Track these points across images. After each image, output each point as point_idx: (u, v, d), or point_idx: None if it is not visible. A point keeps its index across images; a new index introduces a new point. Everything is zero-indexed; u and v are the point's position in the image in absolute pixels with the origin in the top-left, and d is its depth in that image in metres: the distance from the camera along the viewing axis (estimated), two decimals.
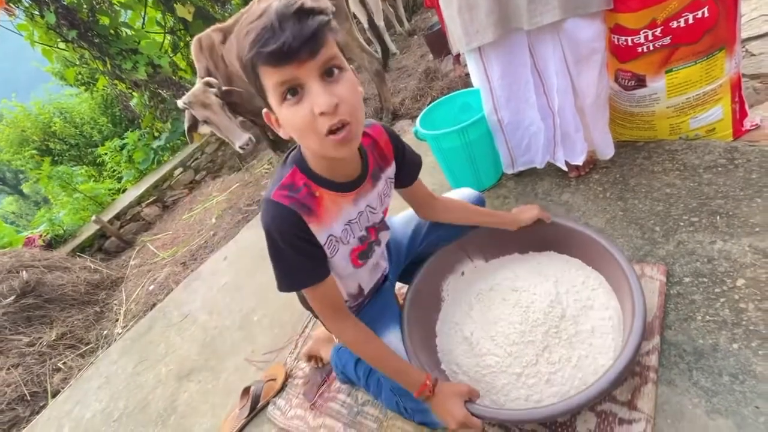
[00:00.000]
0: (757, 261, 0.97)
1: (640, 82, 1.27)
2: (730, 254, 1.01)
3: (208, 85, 2.47)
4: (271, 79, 0.61)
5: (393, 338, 1.01)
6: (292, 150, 0.82)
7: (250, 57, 0.59)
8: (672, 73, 1.22)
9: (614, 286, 1.00)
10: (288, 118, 0.64)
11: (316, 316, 1.09)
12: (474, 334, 1.05)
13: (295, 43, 0.57)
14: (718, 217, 1.10)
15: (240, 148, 2.50)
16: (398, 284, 1.26)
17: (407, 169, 0.96)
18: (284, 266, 0.80)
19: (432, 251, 1.22)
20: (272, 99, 0.64)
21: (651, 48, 1.19)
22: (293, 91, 0.62)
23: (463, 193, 1.20)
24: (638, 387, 0.88)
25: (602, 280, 1.03)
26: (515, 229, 1.12)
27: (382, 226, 0.98)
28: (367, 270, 0.97)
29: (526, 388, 0.91)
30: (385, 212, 0.97)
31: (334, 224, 0.81)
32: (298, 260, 0.78)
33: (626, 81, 1.30)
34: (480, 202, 1.19)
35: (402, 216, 1.23)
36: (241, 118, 2.63)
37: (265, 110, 0.70)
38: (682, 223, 1.14)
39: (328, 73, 0.62)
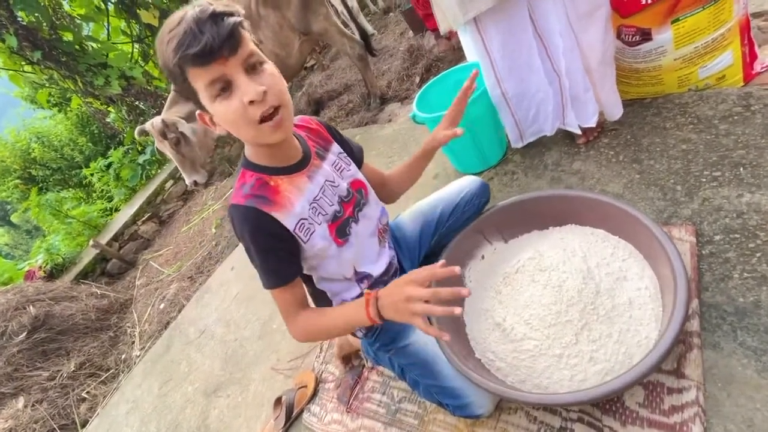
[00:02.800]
0: None
1: (645, 36, 1.22)
2: (760, 206, 0.98)
3: (166, 125, 2.46)
4: (200, 79, 0.67)
5: (421, 334, 0.99)
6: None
7: (176, 62, 0.65)
8: (678, 22, 1.16)
9: (645, 253, 0.97)
10: (222, 113, 0.70)
11: None
12: (507, 320, 1.02)
13: (216, 43, 0.63)
14: (741, 169, 1.07)
15: (188, 185, 2.66)
16: None
17: (349, 148, 1.01)
18: (259, 263, 0.82)
19: (446, 243, 1.20)
20: (205, 99, 0.69)
21: None
22: (223, 87, 0.68)
23: (463, 182, 1.19)
24: (683, 354, 0.87)
25: (631, 248, 1.00)
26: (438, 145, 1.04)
27: (360, 203, 0.96)
28: (354, 250, 0.94)
29: (569, 368, 0.89)
30: (355, 184, 0.95)
31: (298, 205, 0.82)
32: (266, 258, 0.81)
33: (630, 36, 1.24)
34: (483, 189, 1.19)
35: (409, 212, 1.22)
36: (195, 157, 2.70)
37: (198, 112, 0.74)
38: (704, 179, 1.11)
39: (251, 68, 0.69)
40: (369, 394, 1.24)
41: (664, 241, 0.87)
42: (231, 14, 0.66)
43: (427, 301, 0.70)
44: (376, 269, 1.00)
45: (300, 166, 0.85)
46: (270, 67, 0.72)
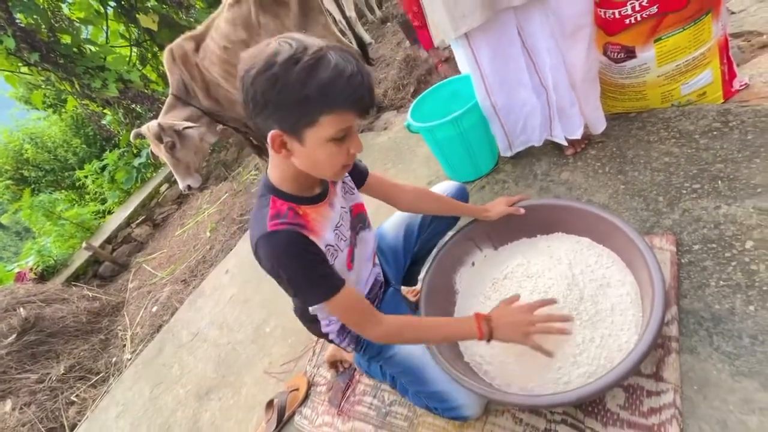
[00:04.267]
0: (763, 221, 0.99)
1: (630, 53, 1.27)
2: (736, 217, 1.03)
3: (162, 129, 2.50)
4: (339, 124, 0.70)
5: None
6: (263, 186, 0.85)
7: (338, 102, 0.67)
8: (661, 41, 1.22)
9: (627, 261, 1.01)
10: (324, 152, 0.73)
11: (322, 336, 1.09)
12: None
13: (374, 104, 0.73)
14: (719, 182, 1.12)
15: (182, 189, 2.68)
16: (406, 288, 1.26)
17: (354, 168, 1.01)
18: (307, 281, 0.80)
19: (428, 248, 1.24)
20: (317, 135, 0.70)
21: (639, 18, 1.18)
22: (345, 135, 0.73)
23: (443, 187, 1.21)
24: (662, 358, 0.90)
25: (615, 256, 1.04)
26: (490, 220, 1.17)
27: (361, 225, 0.99)
28: (356, 274, 0.98)
29: (553, 371, 0.92)
30: (356, 209, 0.98)
31: (326, 233, 0.84)
32: (316, 273, 0.81)
33: (615, 54, 1.30)
34: (461, 192, 1.21)
35: (390, 221, 1.24)
36: (190, 161, 2.72)
37: (273, 132, 0.71)
38: (684, 191, 1.16)
39: None
40: (360, 397, 1.26)
41: (644, 250, 0.91)
42: None
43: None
44: (365, 291, 1.03)
45: (323, 195, 0.87)
46: None
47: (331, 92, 0.66)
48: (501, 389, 0.95)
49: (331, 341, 1.08)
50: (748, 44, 1.51)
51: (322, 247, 0.82)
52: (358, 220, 0.98)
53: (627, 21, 1.19)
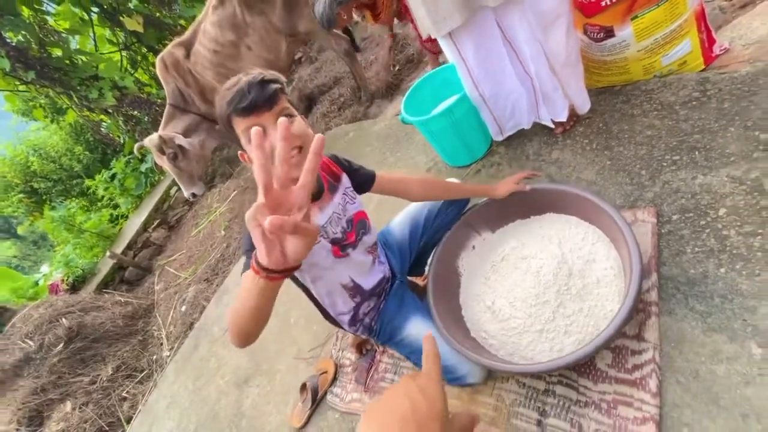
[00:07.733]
0: (735, 189, 1.07)
1: (609, 33, 1.31)
2: (711, 187, 1.11)
3: (163, 141, 2.56)
4: (240, 126, 0.85)
5: (415, 324, 1.16)
6: None
7: (227, 112, 0.84)
8: (637, 19, 1.26)
9: (611, 237, 1.11)
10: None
11: (337, 325, 1.23)
12: (495, 303, 1.18)
13: (258, 101, 0.83)
14: (696, 153, 1.19)
15: (187, 197, 2.80)
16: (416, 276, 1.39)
17: (361, 175, 1.12)
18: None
19: (433, 242, 1.35)
20: (243, 142, 0.87)
21: (614, 0, 1.22)
22: None
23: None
24: (643, 321, 1.02)
25: (600, 233, 1.14)
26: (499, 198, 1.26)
27: (360, 232, 1.10)
28: (354, 264, 1.09)
29: (548, 341, 1.05)
30: (357, 216, 1.09)
31: None
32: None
33: (595, 34, 1.34)
34: None
35: (398, 219, 1.35)
36: (193, 170, 2.79)
37: (240, 152, 0.92)
38: (665, 164, 1.24)
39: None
40: (382, 374, 1.41)
41: (623, 227, 1.00)
42: (276, 81, 0.86)
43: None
44: (368, 282, 1.15)
45: (312, 199, 0.97)
46: (298, 119, 0.89)
47: (222, 103, 0.84)
48: (505, 360, 1.08)
49: (345, 330, 1.22)
50: (729, 3, 1.52)
51: None
52: (360, 226, 1.10)
53: (603, 3, 1.23)
